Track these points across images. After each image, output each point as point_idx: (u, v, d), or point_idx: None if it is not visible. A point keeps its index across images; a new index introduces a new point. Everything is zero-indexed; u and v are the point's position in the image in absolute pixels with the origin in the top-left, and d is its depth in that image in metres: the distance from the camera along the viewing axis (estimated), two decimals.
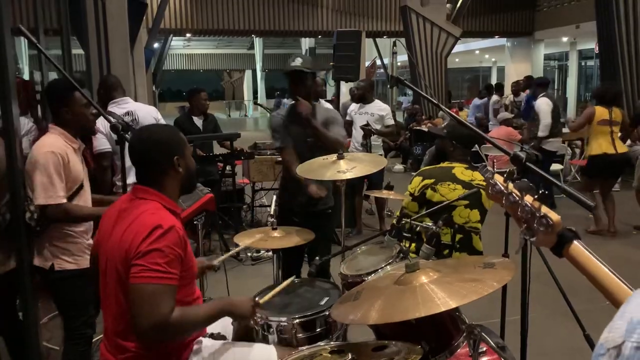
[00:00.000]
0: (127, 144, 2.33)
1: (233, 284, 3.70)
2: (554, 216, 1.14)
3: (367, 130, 5.76)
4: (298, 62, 3.17)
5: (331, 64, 6.48)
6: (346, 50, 6.29)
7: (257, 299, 2.25)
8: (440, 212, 2.76)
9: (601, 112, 5.95)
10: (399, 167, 10.62)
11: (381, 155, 6.07)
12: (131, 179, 2.81)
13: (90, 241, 2.67)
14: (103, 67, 6.22)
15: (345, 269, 2.37)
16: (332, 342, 1.95)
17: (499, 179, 1.29)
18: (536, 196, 1.16)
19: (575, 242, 1.16)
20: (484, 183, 2.97)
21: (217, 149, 6.21)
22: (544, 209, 1.15)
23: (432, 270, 1.57)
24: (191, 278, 1.96)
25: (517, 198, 1.21)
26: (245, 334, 2.19)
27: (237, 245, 3.34)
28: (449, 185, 2.99)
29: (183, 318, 1.76)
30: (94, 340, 2.80)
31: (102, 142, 3.69)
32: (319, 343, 2.10)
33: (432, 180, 3.01)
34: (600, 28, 9.72)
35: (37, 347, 2.65)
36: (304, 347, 1.91)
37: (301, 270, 3.45)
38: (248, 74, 36.14)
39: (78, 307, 2.62)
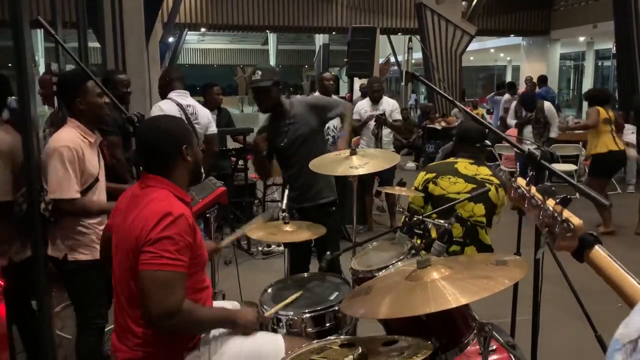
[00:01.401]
0: None
1: (244, 278, 3.72)
2: (575, 220, 1.14)
3: (382, 121, 5.77)
4: (258, 75, 3.17)
5: (345, 60, 6.48)
6: (361, 47, 6.29)
7: (264, 299, 2.28)
8: (450, 209, 2.79)
9: (602, 111, 6.10)
10: (411, 164, 10.58)
11: (393, 151, 6.08)
12: None
13: None
14: (118, 60, 6.26)
15: (356, 264, 2.37)
16: (341, 336, 1.96)
17: (521, 182, 1.28)
18: (558, 200, 1.15)
19: (596, 247, 1.15)
20: (492, 178, 2.99)
21: (231, 144, 6.24)
22: (566, 213, 1.15)
23: (443, 266, 1.57)
24: (201, 265, 1.98)
25: (539, 202, 1.20)
26: None
27: (248, 239, 3.35)
28: (449, 178, 3.05)
29: (193, 311, 1.80)
30: (105, 330, 2.83)
31: None
32: (329, 337, 2.11)
33: (434, 174, 3.10)
34: (618, 28, 9.61)
35: (50, 336, 2.69)
36: (313, 341, 1.92)
37: (309, 266, 3.47)
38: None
39: (91, 298, 2.65)
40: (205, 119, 4.38)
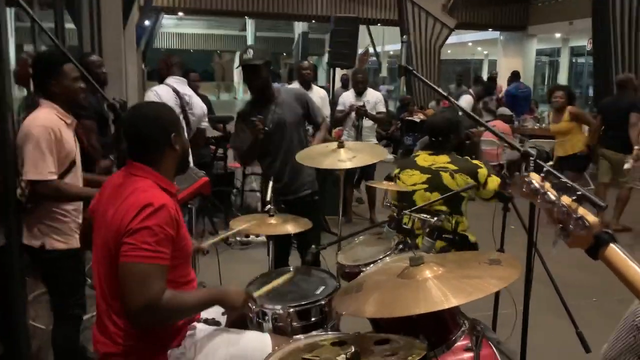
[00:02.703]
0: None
1: (222, 268, 3.66)
2: (590, 218, 1.12)
3: (362, 112, 5.74)
4: (250, 54, 3.12)
5: (327, 49, 6.42)
6: (343, 37, 6.24)
7: (250, 289, 2.24)
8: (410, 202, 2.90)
9: None
10: (389, 157, 10.60)
11: (377, 144, 6.07)
12: None
13: (80, 220, 2.62)
14: (95, 42, 6.12)
15: (343, 259, 2.35)
16: (330, 333, 1.93)
17: (535, 177, 1.25)
18: (574, 197, 1.14)
19: (611, 244, 1.14)
20: (448, 165, 3.02)
21: (210, 132, 6.13)
22: (581, 210, 1.13)
23: (436, 264, 1.55)
24: (185, 258, 1.93)
25: (554, 198, 1.18)
26: (240, 321, 2.16)
27: (227, 230, 3.28)
28: (407, 172, 3.16)
29: (174, 301, 1.74)
30: (83, 319, 2.76)
31: None
32: (314, 332, 2.09)
33: (398, 170, 3.24)
34: (595, 25, 9.73)
35: (24, 326, 2.61)
36: (300, 336, 1.90)
37: (289, 258, 3.44)
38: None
39: (69, 288, 2.58)
40: (200, 110, 4.38)
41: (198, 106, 4.37)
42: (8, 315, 2.63)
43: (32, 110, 2.63)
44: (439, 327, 1.80)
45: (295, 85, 5.83)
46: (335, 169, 2.69)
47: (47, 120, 2.44)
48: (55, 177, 2.43)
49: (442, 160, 3.11)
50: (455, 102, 1.96)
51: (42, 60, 2.58)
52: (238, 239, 5.31)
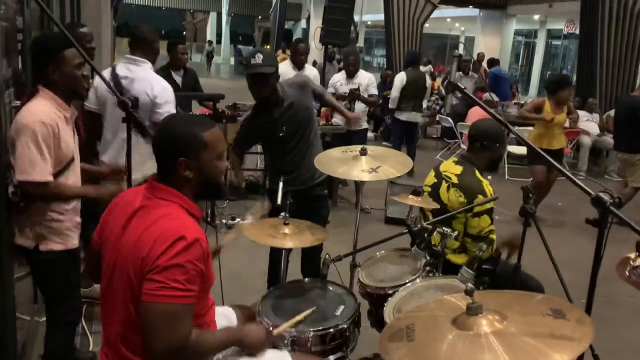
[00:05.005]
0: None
1: None
2: None
3: (355, 95, 5.57)
4: (259, 59, 2.79)
5: (321, 26, 6.18)
6: (338, 14, 6.00)
7: (263, 304, 2.12)
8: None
9: None
10: (369, 135, 10.47)
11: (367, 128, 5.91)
12: (138, 174, 2.57)
13: (79, 219, 2.42)
14: (74, 3, 5.72)
15: (364, 276, 2.22)
16: None
17: None
18: None
19: None
20: (450, 174, 2.78)
21: (196, 107, 5.85)
22: None
23: (492, 314, 1.43)
24: (207, 289, 1.78)
25: None
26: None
27: (212, 210, 3.06)
28: (431, 172, 2.98)
29: (199, 342, 1.63)
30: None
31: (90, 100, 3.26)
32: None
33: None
34: (584, 11, 9.70)
35: (12, 324, 2.41)
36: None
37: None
38: (212, 16, 34.81)
39: (65, 292, 2.39)
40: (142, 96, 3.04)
41: (138, 90, 3.07)
42: None
43: (22, 90, 2.38)
44: None
45: (288, 63, 5.59)
46: (352, 179, 2.52)
47: (44, 114, 2.19)
48: (50, 177, 2.21)
49: (455, 169, 2.81)
50: (498, 115, 1.83)
51: (40, 45, 2.30)
52: (224, 221, 5.12)
